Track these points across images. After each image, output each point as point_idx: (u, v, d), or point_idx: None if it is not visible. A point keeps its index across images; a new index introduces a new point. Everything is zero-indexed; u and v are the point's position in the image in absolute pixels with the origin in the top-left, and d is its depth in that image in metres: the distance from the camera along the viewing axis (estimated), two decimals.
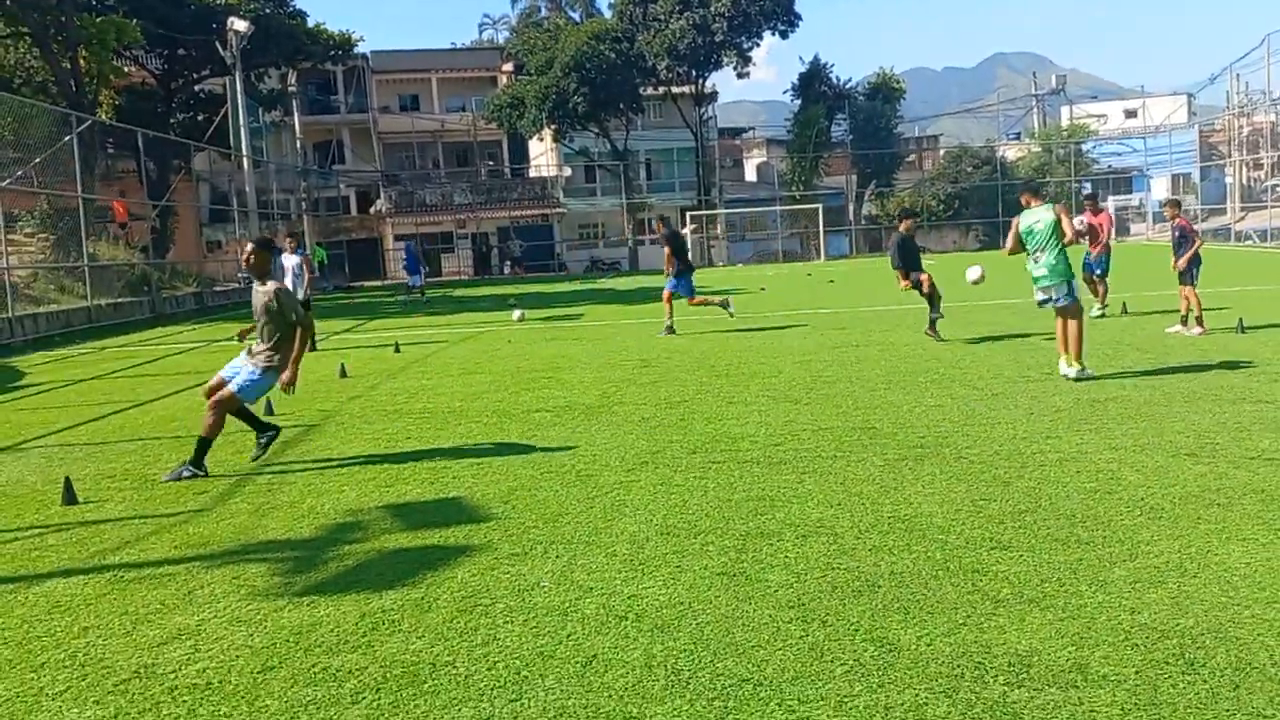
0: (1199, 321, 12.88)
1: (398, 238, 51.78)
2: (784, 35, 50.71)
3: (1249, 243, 43.36)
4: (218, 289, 32.04)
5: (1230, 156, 56.47)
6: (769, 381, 10.52)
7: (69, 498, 6.56)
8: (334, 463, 7.50)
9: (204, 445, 7.15)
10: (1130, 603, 4.12)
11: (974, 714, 3.25)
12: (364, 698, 3.55)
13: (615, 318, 20.52)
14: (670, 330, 15.78)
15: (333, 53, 41.58)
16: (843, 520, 5.41)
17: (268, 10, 36.03)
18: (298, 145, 51.29)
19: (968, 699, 3.35)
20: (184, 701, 3.59)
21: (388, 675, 3.73)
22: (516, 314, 20.21)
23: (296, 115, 49.72)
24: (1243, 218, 50.74)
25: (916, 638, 3.86)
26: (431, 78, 58.69)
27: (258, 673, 3.80)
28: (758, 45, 51.50)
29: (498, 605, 4.40)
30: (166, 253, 32.86)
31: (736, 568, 4.74)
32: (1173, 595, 4.19)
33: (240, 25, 31.36)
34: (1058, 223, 9.56)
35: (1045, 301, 9.80)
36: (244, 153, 33.85)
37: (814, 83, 55.62)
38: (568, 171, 56.95)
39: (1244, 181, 56.05)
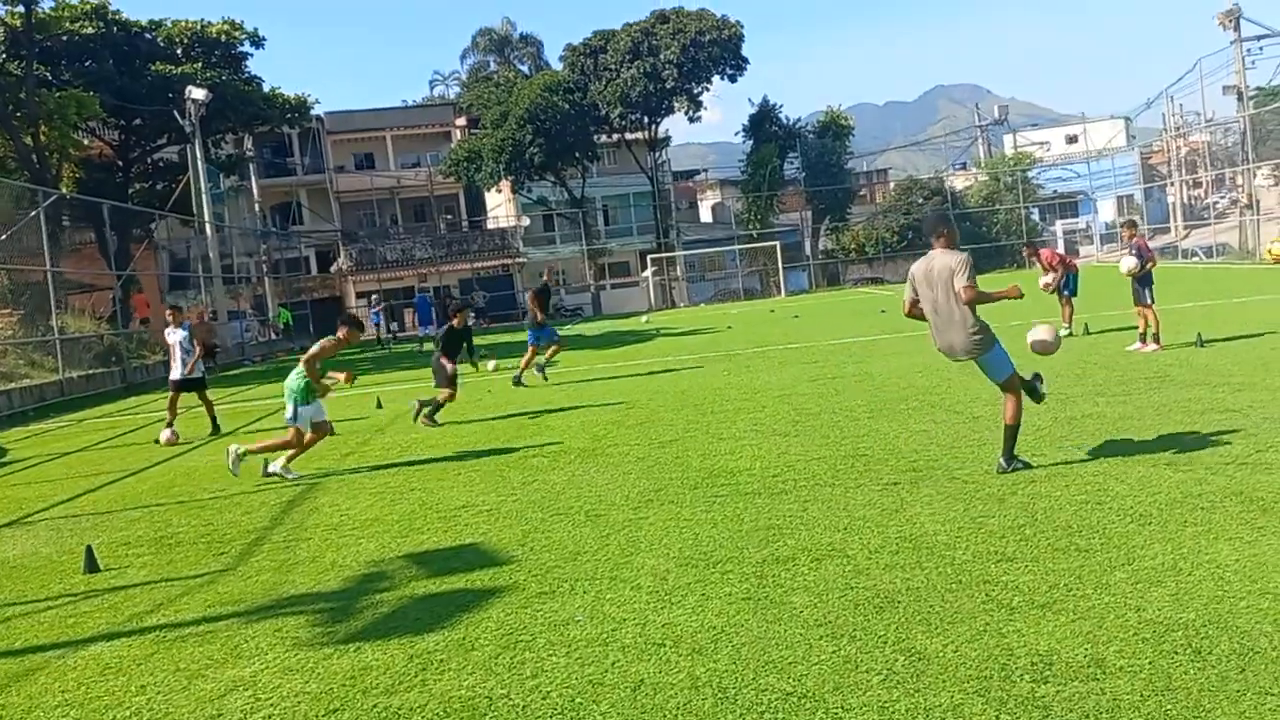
0: (1155, 339, 13.39)
1: (359, 295, 51.84)
2: (733, 79, 51.76)
3: (1195, 259, 44.56)
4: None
5: (1170, 177, 58.09)
6: (755, 416, 10.80)
7: (91, 566, 6.66)
8: (345, 517, 7.65)
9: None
10: (1135, 602, 4.41)
11: (1008, 710, 3.51)
12: None
13: (590, 362, 20.78)
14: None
15: (289, 116, 41.81)
16: (852, 543, 5.67)
17: (224, 78, 36.23)
18: (256, 208, 51.35)
19: (1000, 697, 3.61)
20: None
21: (449, 710, 3.92)
22: (491, 364, 20.36)
23: (254, 178, 49.86)
24: (1186, 235, 52.21)
25: (942, 646, 4.12)
26: (386, 135, 59.20)
27: (323, 716, 3.98)
28: (708, 89, 52.43)
29: (538, 640, 4.60)
30: (130, 323, 32.66)
31: (759, 592, 4.99)
32: (1172, 593, 4.48)
33: (199, 94, 31.57)
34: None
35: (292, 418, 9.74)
36: (206, 219, 33.89)
37: (765, 123, 56.64)
38: (526, 221, 57.44)
39: (1185, 200, 57.71)
